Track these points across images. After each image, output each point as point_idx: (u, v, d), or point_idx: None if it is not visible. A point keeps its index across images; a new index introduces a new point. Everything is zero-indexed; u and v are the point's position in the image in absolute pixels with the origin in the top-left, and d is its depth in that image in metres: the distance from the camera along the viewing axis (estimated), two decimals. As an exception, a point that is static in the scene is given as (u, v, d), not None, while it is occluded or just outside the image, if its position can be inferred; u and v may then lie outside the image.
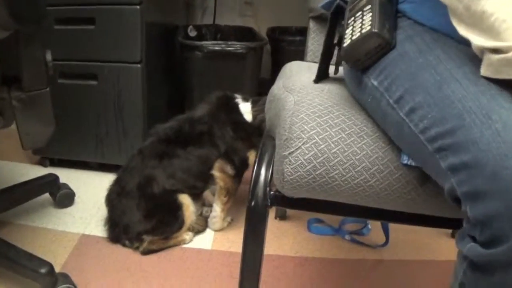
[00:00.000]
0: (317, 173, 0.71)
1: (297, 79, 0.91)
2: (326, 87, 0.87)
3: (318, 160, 0.71)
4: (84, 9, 1.53)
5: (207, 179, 1.42)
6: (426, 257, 1.41)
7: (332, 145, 0.71)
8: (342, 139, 0.72)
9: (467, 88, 0.57)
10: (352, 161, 0.71)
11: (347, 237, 1.46)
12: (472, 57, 0.61)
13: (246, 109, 1.45)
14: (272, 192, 0.80)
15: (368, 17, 0.71)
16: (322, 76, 0.90)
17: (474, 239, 0.54)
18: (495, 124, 0.52)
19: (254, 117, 1.43)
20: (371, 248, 1.43)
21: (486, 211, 0.51)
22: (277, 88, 0.89)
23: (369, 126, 0.75)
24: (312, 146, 0.71)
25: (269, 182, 0.80)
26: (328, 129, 0.73)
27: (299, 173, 0.72)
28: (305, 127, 0.73)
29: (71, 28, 1.55)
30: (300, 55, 1.35)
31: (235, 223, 1.52)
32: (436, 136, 0.58)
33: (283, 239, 1.45)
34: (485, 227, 0.51)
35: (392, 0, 0.75)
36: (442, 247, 1.46)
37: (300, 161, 0.71)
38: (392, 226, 1.43)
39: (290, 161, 0.72)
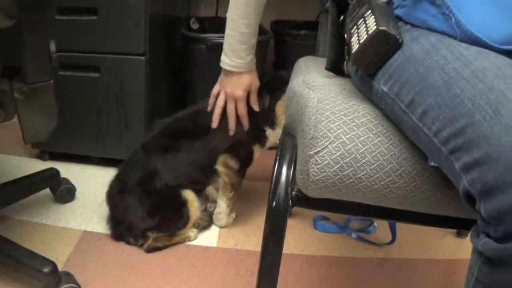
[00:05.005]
0: (344, 173, 0.69)
1: (317, 75, 0.88)
2: (347, 85, 0.84)
3: (345, 161, 0.69)
4: (87, -1, 1.49)
5: (210, 174, 1.39)
6: (432, 256, 1.40)
7: (360, 145, 0.69)
8: (370, 139, 0.70)
9: (475, 86, 0.57)
10: (380, 162, 0.69)
11: (353, 235, 1.44)
12: (477, 54, 0.61)
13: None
14: (294, 192, 0.78)
15: (371, 20, 0.70)
16: (334, 66, 0.90)
17: (488, 235, 0.53)
18: (505, 119, 0.52)
19: (260, 106, 1.39)
20: (378, 246, 1.41)
21: (499, 207, 0.50)
22: (297, 84, 0.86)
23: (394, 126, 0.73)
24: (339, 145, 0.69)
25: (290, 182, 0.78)
26: (355, 128, 0.70)
27: (325, 173, 0.69)
28: (332, 125, 0.71)
29: (73, 19, 1.50)
30: (305, 50, 1.32)
31: (240, 220, 1.49)
32: (449, 138, 0.57)
33: (288, 236, 1.43)
34: (499, 222, 0.51)
35: (390, 4, 0.75)
36: (447, 246, 1.45)
37: (326, 161, 0.69)
38: (398, 224, 1.41)
39: (316, 161, 0.69)
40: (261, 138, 1.41)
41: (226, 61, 1.25)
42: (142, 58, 1.54)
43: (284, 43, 1.88)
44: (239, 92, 1.28)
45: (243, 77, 1.27)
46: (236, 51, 1.21)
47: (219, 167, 1.37)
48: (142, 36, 1.51)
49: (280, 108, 1.34)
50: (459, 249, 1.44)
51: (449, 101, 0.58)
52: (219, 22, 1.96)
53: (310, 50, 1.33)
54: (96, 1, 1.48)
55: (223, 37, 1.73)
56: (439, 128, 0.59)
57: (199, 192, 1.39)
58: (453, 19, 0.67)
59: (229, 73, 1.27)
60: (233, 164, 1.37)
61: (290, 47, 1.87)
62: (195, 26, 1.86)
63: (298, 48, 1.82)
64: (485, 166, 0.51)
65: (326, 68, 0.90)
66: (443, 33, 0.68)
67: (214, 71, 1.69)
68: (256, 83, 1.32)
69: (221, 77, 1.31)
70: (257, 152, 1.42)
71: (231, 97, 1.30)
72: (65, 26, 1.50)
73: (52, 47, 1.09)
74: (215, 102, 1.33)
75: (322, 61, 1.02)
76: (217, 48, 1.72)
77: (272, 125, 1.37)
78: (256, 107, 1.34)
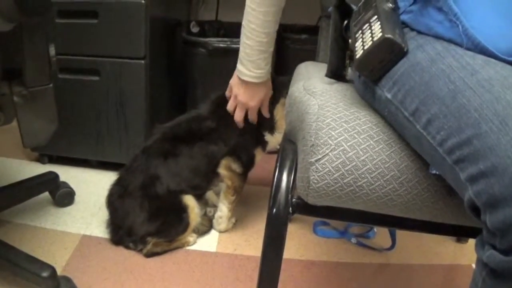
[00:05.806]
0: (344, 181, 0.69)
1: (318, 81, 0.88)
2: (348, 92, 0.84)
3: (346, 168, 0.68)
4: (87, 2, 1.48)
5: (211, 179, 1.39)
6: (431, 261, 1.40)
7: (361, 152, 0.69)
8: (371, 146, 0.69)
9: (481, 96, 0.56)
10: (381, 169, 0.69)
11: (353, 240, 1.44)
12: (483, 64, 0.61)
13: None
14: (294, 200, 0.77)
15: (376, 26, 0.70)
16: (335, 72, 0.89)
17: (493, 246, 0.53)
18: None
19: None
20: (377, 252, 1.41)
21: (505, 219, 0.50)
22: (298, 90, 0.86)
23: (396, 134, 0.72)
24: (340, 153, 0.69)
25: (290, 189, 0.77)
26: (356, 136, 0.70)
27: (326, 181, 0.69)
28: (332, 133, 0.70)
29: (74, 22, 1.50)
30: (305, 54, 1.32)
31: (239, 225, 1.49)
32: (454, 148, 0.57)
33: (288, 241, 1.39)
34: (505, 235, 0.51)
35: (396, 10, 0.74)
36: (447, 251, 1.44)
37: (327, 169, 0.69)
38: (398, 230, 1.41)
39: (317, 168, 0.69)
40: (261, 142, 1.41)
41: (244, 71, 1.20)
42: (142, 62, 1.54)
43: (285, 47, 1.88)
44: (254, 103, 1.28)
45: (259, 88, 1.25)
46: (255, 61, 1.17)
47: (222, 170, 1.37)
48: (142, 40, 1.51)
49: (278, 112, 1.34)
50: (459, 254, 1.44)
51: (455, 111, 0.58)
52: (219, 25, 1.97)
53: (311, 54, 1.33)
54: (96, 4, 1.48)
55: (223, 41, 1.75)
56: (444, 138, 0.58)
57: (200, 197, 1.39)
58: (460, 27, 0.65)
59: (246, 83, 1.23)
60: (236, 167, 1.37)
61: (291, 52, 1.87)
62: (195, 29, 1.86)
63: (299, 53, 1.82)
64: (492, 178, 0.51)
65: (327, 76, 0.89)
66: (449, 40, 0.67)
67: (215, 75, 1.70)
68: (270, 92, 1.32)
69: (235, 85, 1.27)
70: (259, 155, 1.42)
71: (244, 106, 1.29)
72: (65, 29, 1.50)
73: (52, 50, 1.08)
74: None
75: (323, 67, 1.01)
76: (218, 52, 1.74)
77: (271, 129, 1.37)
78: (267, 115, 1.34)
